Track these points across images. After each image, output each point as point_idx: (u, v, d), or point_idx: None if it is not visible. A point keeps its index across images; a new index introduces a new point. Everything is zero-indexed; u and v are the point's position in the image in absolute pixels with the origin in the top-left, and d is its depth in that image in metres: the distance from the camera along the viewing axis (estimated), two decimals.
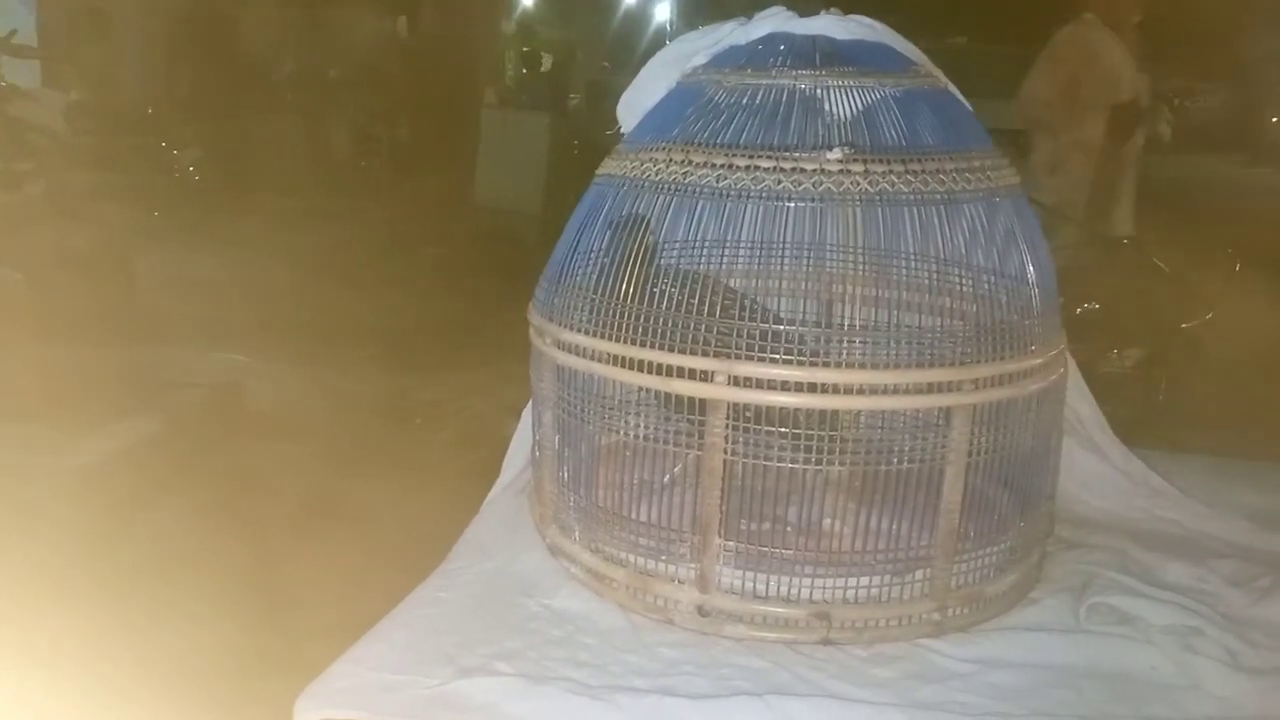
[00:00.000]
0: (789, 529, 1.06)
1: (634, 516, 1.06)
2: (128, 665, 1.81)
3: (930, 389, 0.98)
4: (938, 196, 1.00)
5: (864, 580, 1.03)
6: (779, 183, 0.99)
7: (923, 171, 1.00)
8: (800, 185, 0.98)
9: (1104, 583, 1.13)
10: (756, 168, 0.99)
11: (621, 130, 1.23)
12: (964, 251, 1.03)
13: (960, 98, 1.17)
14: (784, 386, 0.97)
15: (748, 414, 0.99)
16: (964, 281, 1.03)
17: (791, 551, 1.03)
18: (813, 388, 0.96)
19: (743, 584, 1.03)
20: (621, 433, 1.04)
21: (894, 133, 1.03)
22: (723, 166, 1.00)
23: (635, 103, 1.23)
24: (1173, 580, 1.15)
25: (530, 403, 1.20)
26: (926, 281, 1.02)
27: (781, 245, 1.02)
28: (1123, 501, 1.33)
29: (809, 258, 1.02)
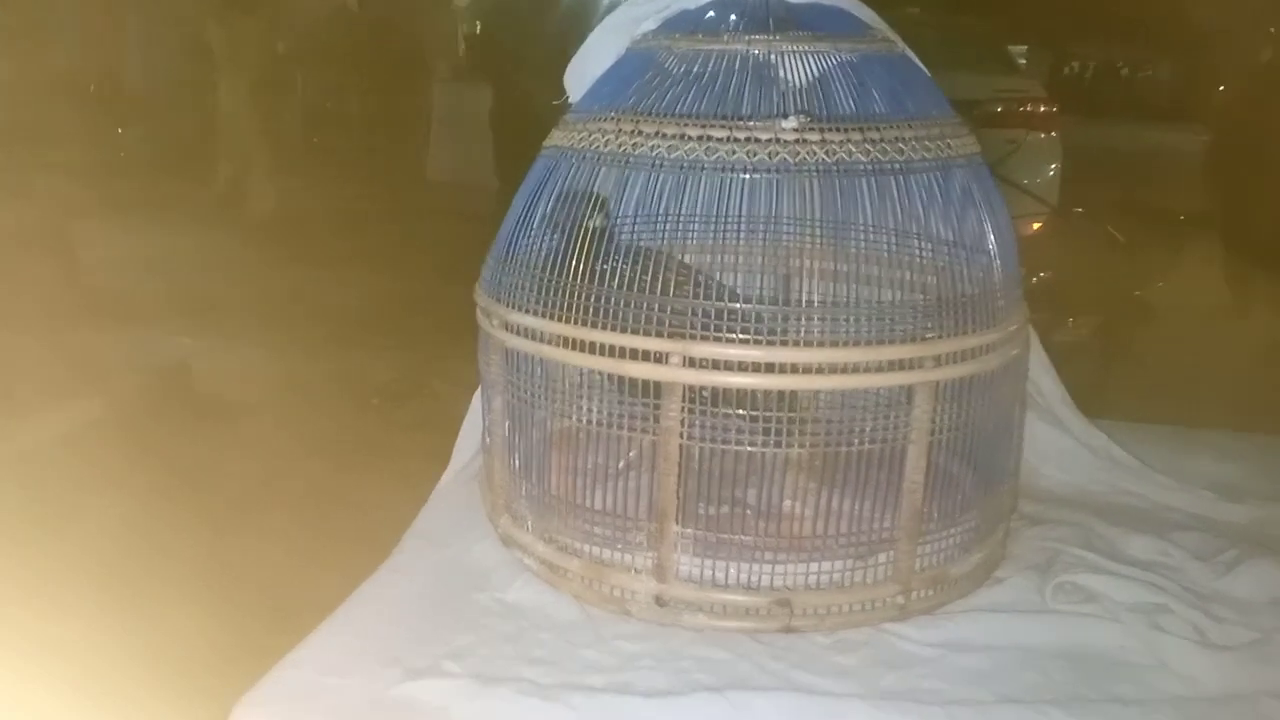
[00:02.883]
0: (748, 513, 1.02)
1: (588, 504, 1.02)
2: (72, 657, 1.75)
3: (891, 366, 0.95)
4: (896, 165, 0.96)
5: (826, 565, 1.00)
6: (733, 153, 0.94)
7: (880, 140, 0.96)
8: (755, 156, 0.94)
9: (1069, 560, 1.11)
10: (709, 138, 0.95)
11: (569, 100, 1.18)
12: (923, 222, 0.99)
13: (918, 63, 1.13)
14: (741, 367, 0.93)
15: (704, 395, 0.95)
16: (924, 253, 0.99)
17: (751, 537, 0.99)
18: (770, 368, 0.92)
19: (701, 572, 0.99)
20: (574, 418, 1.00)
21: (849, 100, 0.99)
22: (674, 137, 0.96)
23: (583, 71, 1.18)
24: (1137, 555, 1.14)
25: (480, 387, 1.15)
26: (885, 254, 0.98)
27: (737, 219, 0.98)
28: (1086, 475, 1.31)
29: (765, 231, 0.98)
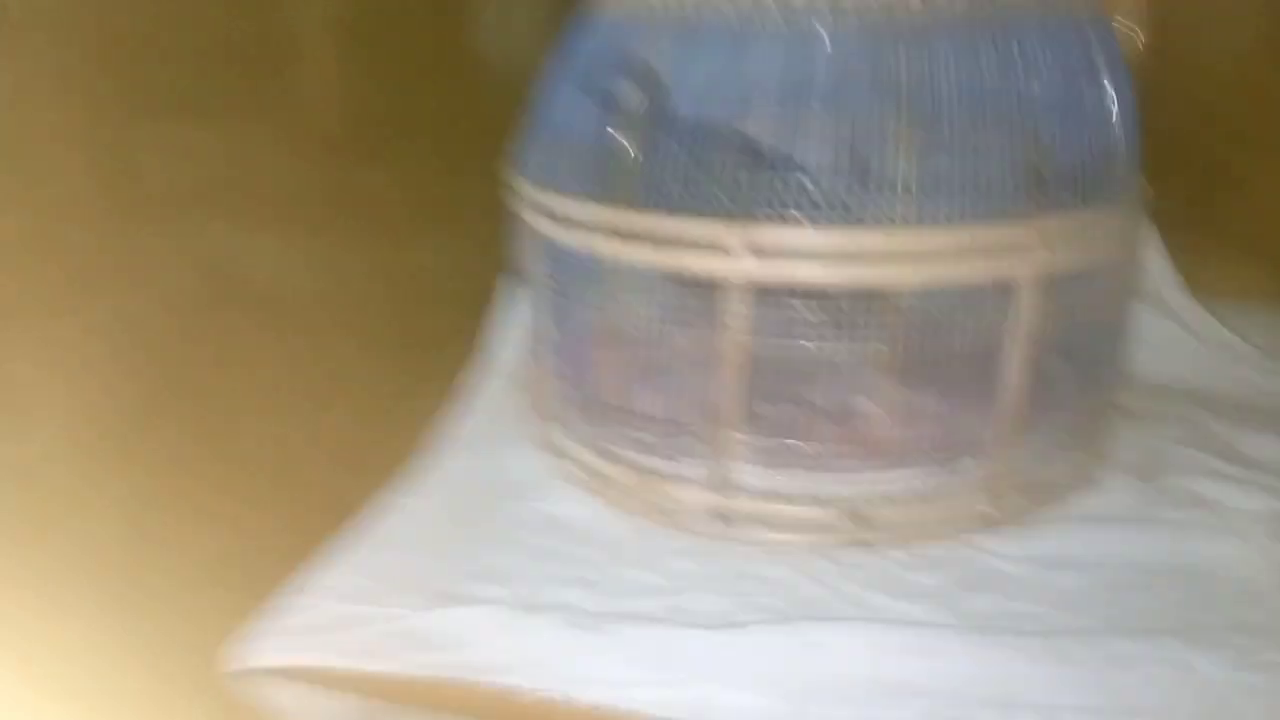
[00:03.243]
0: (817, 416, 0.91)
1: (639, 409, 0.92)
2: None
3: (992, 252, 0.81)
4: (1013, 20, 0.81)
5: (904, 472, 0.89)
6: (812, 5, 0.79)
7: None
8: (839, 9, 0.79)
9: (1178, 461, 0.99)
10: None
11: None
12: (1035, 82, 0.84)
13: None
14: (814, 255, 0.80)
15: (771, 286, 0.83)
16: (1034, 120, 0.84)
17: (820, 445, 0.89)
18: (849, 256, 0.80)
19: (764, 482, 0.89)
20: (625, 316, 0.88)
21: None
22: None
23: None
24: (1258, 456, 1.01)
25: (512, 279, 1.04)
26: (984, 119, 0.84)
27: (812, 87, 0.83)
28: (1197, 366, 1.18)
29: (843, 100, 0.83)
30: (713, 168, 0.82)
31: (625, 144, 0.85)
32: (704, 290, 0.84)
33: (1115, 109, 0.88)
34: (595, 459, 0.95)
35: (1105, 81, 0.87)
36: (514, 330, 1.13)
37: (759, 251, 0.81)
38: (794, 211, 0.80)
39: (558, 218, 0.90)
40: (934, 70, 0.80)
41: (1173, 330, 1.19)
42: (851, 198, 0.80)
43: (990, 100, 0.83)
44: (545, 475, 0.98)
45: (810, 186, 0.80)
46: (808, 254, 0.80)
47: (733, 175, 0.82)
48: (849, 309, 0.84)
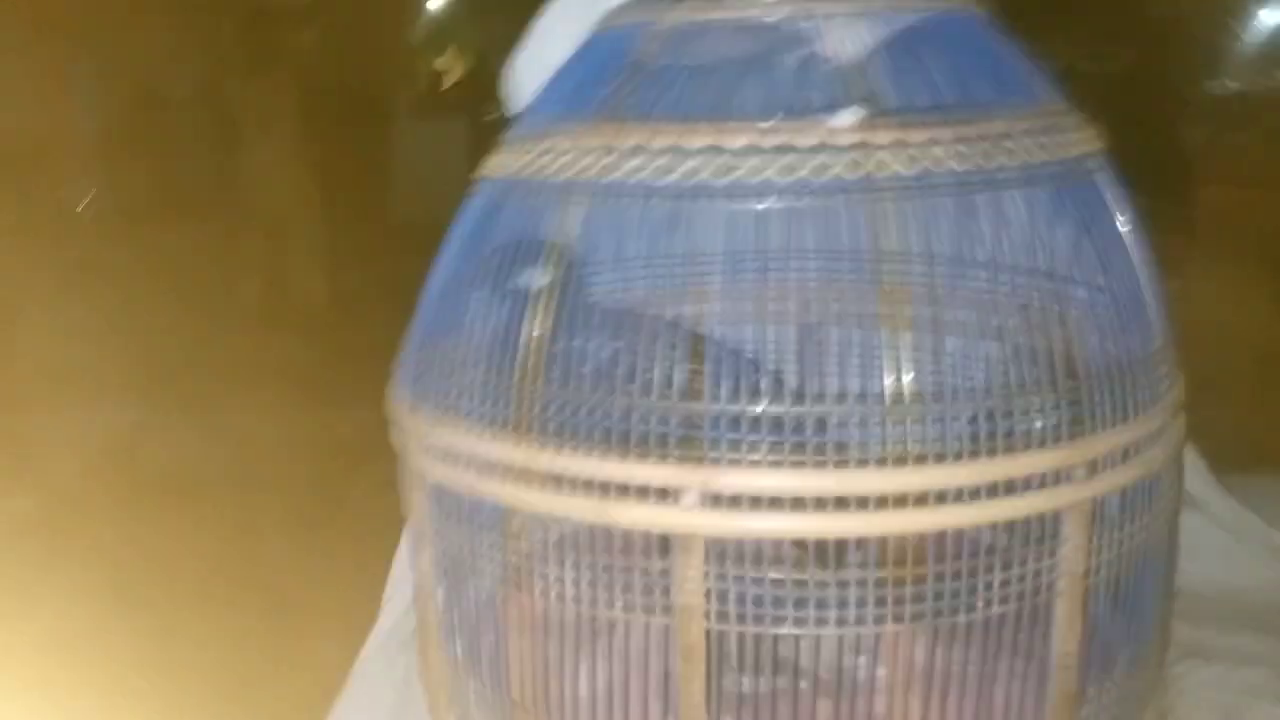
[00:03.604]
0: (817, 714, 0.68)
1: (570, 715, 0.67)
2: None
3: (1028, 485, 0.61)
4: (1013, 175, 0.63)
5: None
6: (760, 170, 0.60)
7: (982, 138, 0.63)
8: (793, 172, 0.60)
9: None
10: (720, 149, 0.61)
11: (508, 113, 0.85)
12: (1048, 257, 0.66)
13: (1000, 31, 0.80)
14: (796, 504, 0.59)
15: (738, 551, 0.61)
16: (1059, 305, 0.66)
17: None
18: (844, 504, 0.59)
19: None
20: (540, 589, 0.65)
21: (928, 81, 0.65)
22: (667, 152, 0.62)
23: (529, 70, 0.84)
24: None
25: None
26: (1002, 306, 0.65)
27: (768, 268, 0.64)
28: (1244, 575, 0.98)
29: (817, 286, 0.64)
30: (644, 384, 0.61)
31: (530, 351, 0.64)
32: (648, 549, 0.63)
33: (1144, 280, 0.70)
34: None
35: (1127, 243, 0.70)
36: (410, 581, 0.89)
37: (719, 499, 0.59)
38: (763, 445, 0.59)
39: (448, 455, 0.68)
40: (929, 240, 0.62)
41: (1212, 533, 1.00)
42: (842, 427, 0.60)
43: (1007, 280, 0.64)
44: None
45: (788, 411, 0.59)
46: (782, 501, 0.59)
47: (672, 389, 0.61)
48: (838, 556, 0.62)
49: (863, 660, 0.69)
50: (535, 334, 0.65)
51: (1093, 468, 0.63)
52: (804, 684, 0.70)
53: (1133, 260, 0.69)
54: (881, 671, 0.70)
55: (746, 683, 0.70)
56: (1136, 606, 0.72)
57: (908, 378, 0.59)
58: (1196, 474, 1.03)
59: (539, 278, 0.68)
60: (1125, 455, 0.65)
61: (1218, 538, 1.02)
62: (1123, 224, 0.69)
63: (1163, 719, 0.79)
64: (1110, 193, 0.70)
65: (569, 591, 0.63)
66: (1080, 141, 0.69)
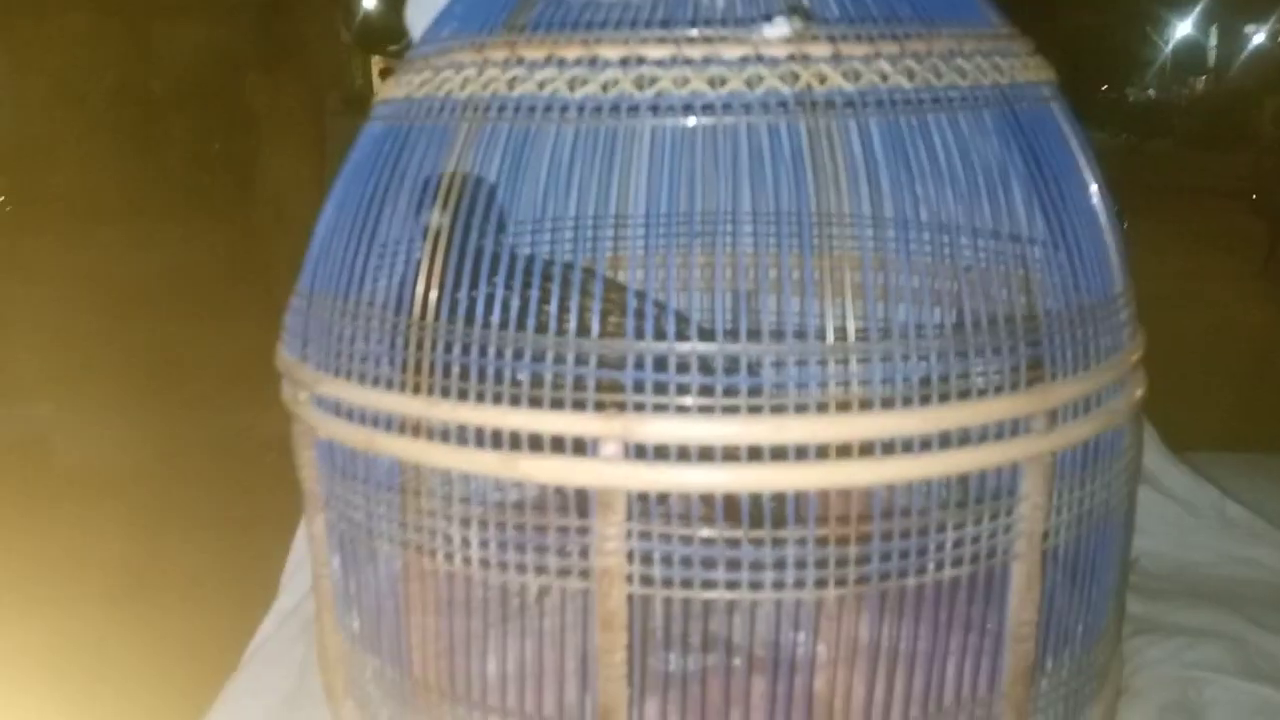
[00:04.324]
0: (748, 679, 0.61)
1: (478, 694, 0.60)
2: None
3: (983, 436, 0.55)
4: (964, 95, 0.57)
5: None
6: (683, 83, 0.54)
7: (929, 54, 0.57)
8: (721, 85, 0.54)
9: (1229, 699, 0.73)
10: (641, 60, 0.55)
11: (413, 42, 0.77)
12: (1010, 189, 0.60)
13: None
14: (729, 455, 0.53)
15: (661, 507, 0.55)
16: (1015, 241, 0.60)
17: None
18: (781, 454, 0.52)
19: None
20: (444, 554, 0.58)
21: None
22: (580, 63, 0.55)
23: None
24: None
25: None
26: (954, 241, 0.59)
27: (695, 197, 0.58)
28: (1200, 548, 0.93)
29: (739, 216, 0.58)
30: (557, 323, 0.54)
31: (424, 293, 0.57)
32: (563, 507, 0.56)
33: (1101, 214, 0.65)
34: None
35: (1089, 180, 0.65)
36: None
37: (643, 451, 0.53)
38: (690, 389, 0.52)
39: (341, 410, 0.60)
40: (870, 162, 0.56)
41: (1163, 504, 0.95)
42: (778, 369, 0.54)
43: (949, 203, 0.58)
44: None
45: (711, 349, 0.52)
46: (713, 451, 0.52)
47: (590, 336, 0.54)
48: (776, 515, 0.56)
49: (801, 636, 0.63)
50: (435, 275, 0.57)
51: (1052, 418, 0.57)
52: (737, 661, 0.64)
53: (1090, 195, 0.64)
54: (821, 647, 0.64)
55: (674, 660, 0.63)
56: (1096, 574, 0.67)
57: (851, 314, 0.53)
58: (1149, 446, 0.99)
59: (439, 214, 0.61)
60: (1087, 405, 0.59)
61: (1170, 510, 0.98)
62: (1079, 157, 0.64)
63: (1120, 694, 0.74)
64: (1066, 124, 0.64)
65: (476, 556, 0.56)
66: (1034, 67, 0.64)
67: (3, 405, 3.11)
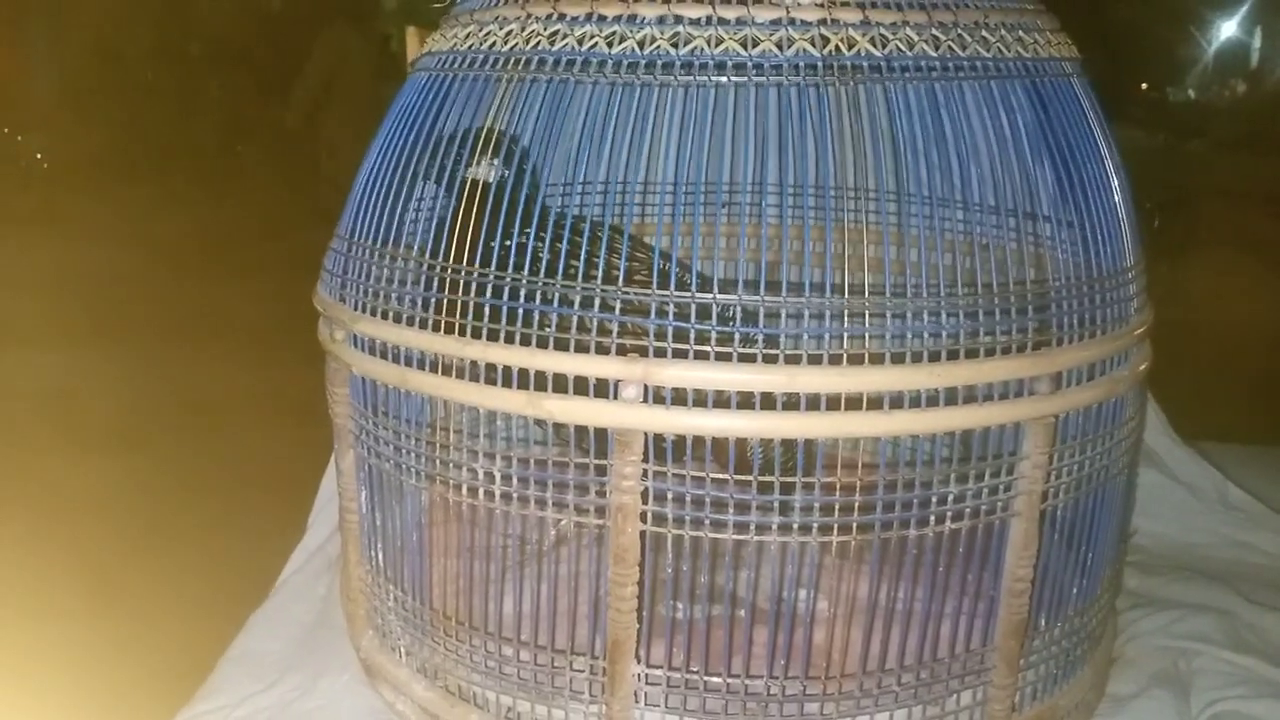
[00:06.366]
0: (752, 627, 0.64)
1: (494, 627, 0.63)
2: None
3: (989, 395, 0.57)
4: (988, 65, 0.59)
5: (879, 718, 0.62)
6: (717, 42, 0.56)
7: (955, 24, 0.59)
8: (754, 46, 0.56)
9: (1215, 668, 0.75)
10: (678, 19, 0.57)
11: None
12: (1028, 160, 0.62)
13: None
14: (743, 402, 0.55)
15: (679, 448, 0.57)
16: (1031, 208, 0.62)
17: (762, 680, 0.61)
18: (793, 403, 0.55)
19: None
20: (466, 488, 0.61)
21: None
22: (620, 20, 0.58)
23: None
24: None
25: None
26: (972, 206, 0.61)
27: (724, 158, 0.60)
28: (1200, 530, 0.95)
29: (765, 178, 0.60)
30: (587, 273, 0.56)
31: (457, 242, 0.60)
32: (584, 450, 0.58)
33: (1117, 189, 0.67)
34: (433, 695, 0.65)
35: (1106, 155, 0.66)
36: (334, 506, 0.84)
37: (662, 396, 0.55)
38: (710, 338, 0.55)
39: (369, 345, 0.63)
40: (895, 132, 0.58)
41: (1168, 486, 0.97)
42: (794, 323, 0.56)
43: (969, 170, 0.60)
44: (366, 715, 0.68)
45: (732, 300, 0.55)
46: (730, 398, 0.55)
47: (616, 285, 0.57)
48: (787, 468, 0.58)
49: (803, 592, 0.65)
50: (470, 223, 0.60)
51: (1057, 381, 0.59)
52: (741, 613, 0.67)
53: (1108, 170, 0.66)
54: (823, 601, 0.67)
55: (681, 608, 0.66)
56: (1093, 539, 0.69)
57: (865, 279, 0.56)
58: (1157, 430, 1.01)
59: (479, 166, 0.64)
60: (1091, 372, 0.61)
61: (1175, 493, 1.00)
62: (1098, 133, 0.66)
63: (1112, 662, 0.76)
64: (1086, 100, 0.66)
65: (499, 490, 0.59)
66: (1058, 44, 0.66)
67: (36, 356, 3.17)
